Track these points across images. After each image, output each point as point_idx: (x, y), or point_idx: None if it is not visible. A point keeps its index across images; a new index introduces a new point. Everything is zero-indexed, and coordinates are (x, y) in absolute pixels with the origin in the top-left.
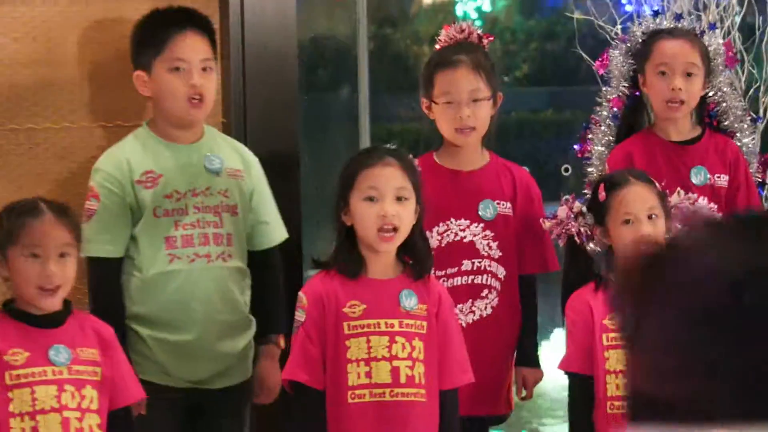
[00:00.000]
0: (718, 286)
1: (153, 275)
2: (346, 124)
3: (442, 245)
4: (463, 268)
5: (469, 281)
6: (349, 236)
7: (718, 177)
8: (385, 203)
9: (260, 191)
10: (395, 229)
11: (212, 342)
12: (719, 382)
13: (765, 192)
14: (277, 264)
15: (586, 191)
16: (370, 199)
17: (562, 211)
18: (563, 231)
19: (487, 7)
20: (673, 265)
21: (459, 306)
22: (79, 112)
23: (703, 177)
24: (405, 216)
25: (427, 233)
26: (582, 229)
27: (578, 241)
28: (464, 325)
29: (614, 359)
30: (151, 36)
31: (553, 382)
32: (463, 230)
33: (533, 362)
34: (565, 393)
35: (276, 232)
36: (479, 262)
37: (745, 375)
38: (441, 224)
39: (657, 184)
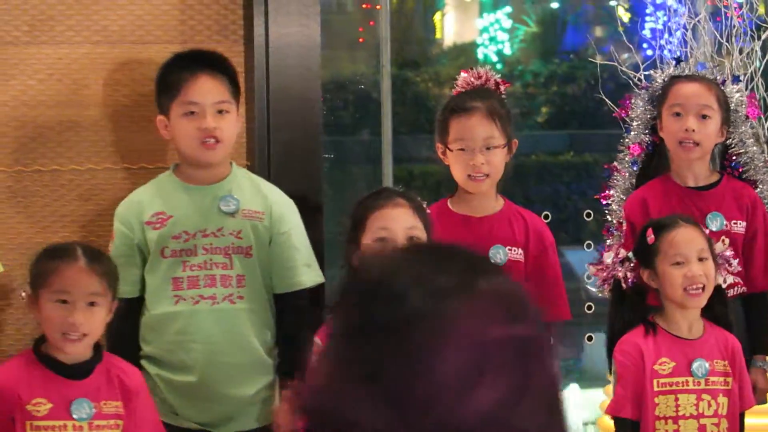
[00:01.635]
0: (382, 295)
1: (158, 315)
2: (368, 167)
3: None
4: None
5: None
6: None
7: (735, 223)
8: (397, 243)
9: (282, 233)
10: None
11: (218, 385)
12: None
13: None
14: (302, 308)
15: (606, 238)
16: (382, 239)
17: (607, 257)
18: (609, 276)
19: (508, 51)
20: (351, 284)
21: None
22: (104, 153)
23: (719, 223)
24: None
25: None
26: (628, 274)
27: (624, 286)
28: None
29: (664, 405)
30: (168, 81)
31: None
32: None
33: None
34: None
35: (302, 276)
36: None
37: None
38: None
39: (703, 229)
